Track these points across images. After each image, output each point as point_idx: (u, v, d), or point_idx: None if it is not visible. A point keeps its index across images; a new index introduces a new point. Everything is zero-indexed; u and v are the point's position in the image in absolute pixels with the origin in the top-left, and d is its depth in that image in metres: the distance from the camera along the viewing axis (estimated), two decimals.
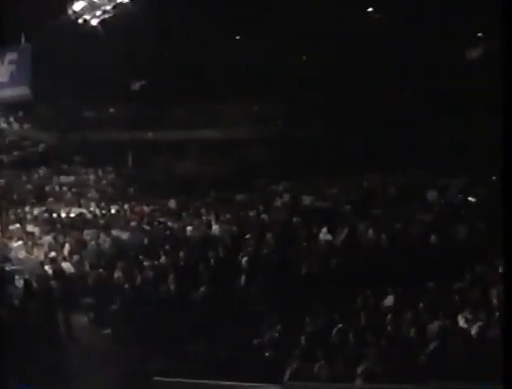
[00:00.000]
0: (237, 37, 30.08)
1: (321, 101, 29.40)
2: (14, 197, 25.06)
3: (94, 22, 24.66)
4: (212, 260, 11.91)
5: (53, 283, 11.67)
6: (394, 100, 24.39)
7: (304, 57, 28.78)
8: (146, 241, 15.05)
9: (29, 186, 26.73)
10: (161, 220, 18.57)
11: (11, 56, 26.21)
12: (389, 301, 9.03)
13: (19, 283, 10.84)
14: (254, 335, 9.03)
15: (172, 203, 22.34)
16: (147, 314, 10.05)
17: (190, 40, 27.00)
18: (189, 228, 16.60)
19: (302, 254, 11.81)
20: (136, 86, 30.87)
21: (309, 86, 27.71)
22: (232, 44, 29.25)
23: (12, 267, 14.26)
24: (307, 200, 20.44)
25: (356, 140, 25.50)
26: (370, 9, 25.31)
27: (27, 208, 22.25)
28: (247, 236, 13.57)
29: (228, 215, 18.13)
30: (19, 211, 21.97)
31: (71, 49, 26.82)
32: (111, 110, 32.09)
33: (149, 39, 26.31)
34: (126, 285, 11.31)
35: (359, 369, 7.00)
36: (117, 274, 11.83)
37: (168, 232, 16.46)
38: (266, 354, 8.57)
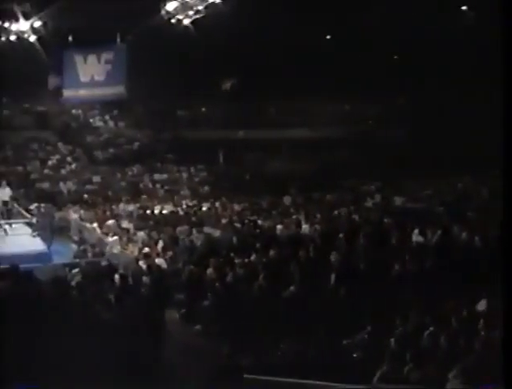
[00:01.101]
0: (328, 37, 30.10)
1: (413, 102, 28.98)
2: (110, 193, 26.16)
3: (186, 22, 25.44)
4: (302, 259, 12.03)
5: (146, 278, 12.18)
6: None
7: (395, 57, 28.45)
8: (236, 238, 15.33)
9: (123, 183, 27.75)
10: (251, 218, 18.90)
11: (107, 55, 27.55)
12: (482, 305, 8.89)
13: (115, 278, 11.32)
14: (344, 335, 9.09)
15: (262, 202, 22.66)
16: (237, 312, 10.29)
17: (282, 39, 27.24)
18: (279, 226, 16.83)
19: (393, 255, 11.78)
20: (227, 85, 31.50)
21: (401, 86, 27.39)
22: (323, 44, 29.33)
23: (107, 262, 15.02)
24: (399, 201, 20.28)
25: (449, 142, 24.97)
26: None
27: (121, 205, 23.15)
28: (338, 235, 13.64)
29: (318, 215, 18.25)
30: (113, 207, 22.97)
31: (164, 49, 27.76)
32: (203, 109, 32.87)
33: (241, 38, 26.73)
34: (217, 282, 11.61)
35: (450, 374, 6.95)
36: (208, 271, 12.16)
37: (258, 230, 16.73)
38: (355, 355, 8.63)
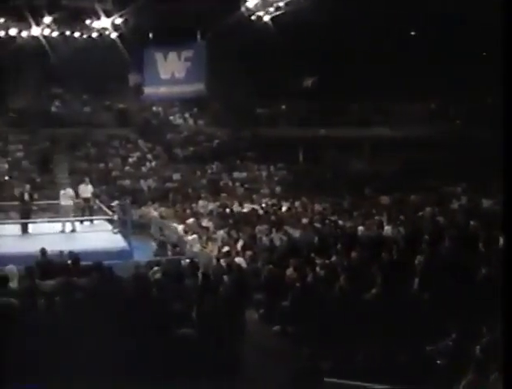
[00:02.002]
0: (412, 33, 29.56)
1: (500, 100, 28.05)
2: (189, 191, 26.71)
3: (267, 18, 25.58)
4: (385, 261, 11.92)
5: (226, 277, 12.35)
6: None
7: (484, 54, 27.65)
8: (317, 239, 15.33)
9: (203, 181, 28.26)
10: (332, 218, 18.85)
11: (187, 53, 28.05)
12: None
13: (196, 276, 11.53)
14: (427, 341, 8.96)
15: (343, 202, 22.54)
16: (317, 313, 10.28)
17: (364, 36, 26.93)
18: (360, 227, 16.71)
19: (480, 259, 11.51)
20: (308, 82, 31.45)
21: (489, 85, 26.57)
22: (408, 42, 28.80)
23: (188, 260, 15.36)
24: (486, 203, 19.73)
25: None
26: None
27: (201, 203, 23.59)
28: (422, 238, 13.43)
29: (401, 216, 18.00)
30: (193, 205, 23.45)
31: (244, 46, 28.03)
32: (283, 107, 32.96)
33: (321, 35, 26.58)
34: (297, 283, 11.63)
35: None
36: (288, 271, 12.21)
37: (339, 231, 16.67)
38: (439, 362, 8.49)
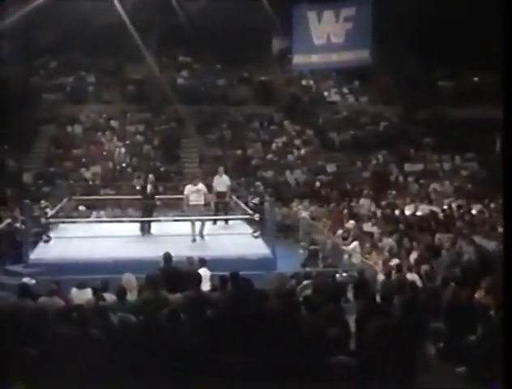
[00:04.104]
0: None
1: None
2: (347, 186, 26.67)
3: None
4: None
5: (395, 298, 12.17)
6: None
7: None
8: None
9: (366, 174, 28.18)
10: None
11: (348, 11, 27.79)
12: None
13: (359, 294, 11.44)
14: None
15: None
16: None
17: None
18: None
19: None
20: None
21: None
22: None
23: (345, 274, 15.31)
24: None
25: None
26: None
27: (362, 201, 23.51)
28: None
29: None
30: (352, 204, 23.38)
31: (418, 4, 27.51)
32: (475, 79, 32.02)
33: None
34: (492, 310, 11.23)
35: None
36: (478, 293, 11.85)
37: None
38: None
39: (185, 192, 18.36)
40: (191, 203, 18.17)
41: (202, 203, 18.42)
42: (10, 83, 28.76)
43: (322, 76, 33.66)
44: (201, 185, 18.46)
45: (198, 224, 18.15)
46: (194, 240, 17.81)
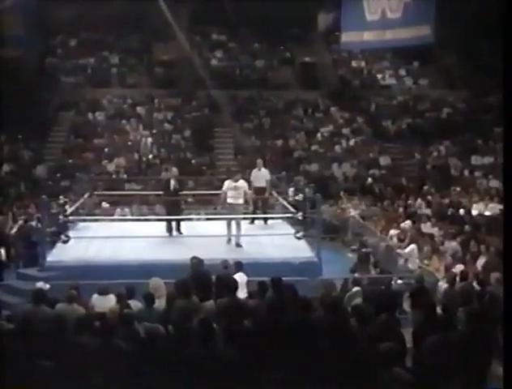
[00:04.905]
0: None
1: None
2: (403, 182, 26.56)
3: None
4: None
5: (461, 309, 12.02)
6: None
7: None
8: None
9: (425, 168, 28.03)
10: None
11: None
12: None
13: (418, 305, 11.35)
14: None
15: None
16: None
17: None
18: None
19: None
20: None
21: None
22: None
23: (400, 281, 15.26)
24: None
25: None
26: None
27: (420, 199, 23.37)
28: None
29: None
30: (409, 202, 23.28)
31: None
32: None
33: None
34: None
35: None
36: None
37: None
38: None
39: (224, 188, 18.08)
40: (228, 200, 17.86)
41: (241, 202, 18.15)
42: (24, 65, 29.05)
43: (375, 56, 33.53)
44: (242, 182, 18.06)
45: (233, 223, 18.05)
46: (230, 240, 17.76)
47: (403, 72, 33.71)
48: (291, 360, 8.32)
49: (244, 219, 18.73)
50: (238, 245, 17.68)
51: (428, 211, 22.39)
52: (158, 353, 8.30)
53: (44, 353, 8.13)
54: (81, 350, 8.21)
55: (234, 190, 17.87)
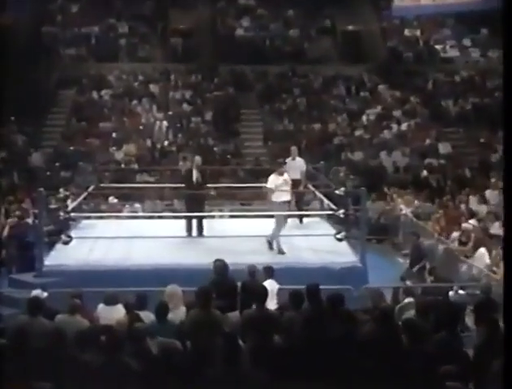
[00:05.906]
0: None
1: None
2: (467, 174, 26.55)
3: None
4: None
5: None
6: None
7: None
8: None
9: (493, 157, 27.97)
10: None
11: None
12: None
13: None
14: None
15: None
16: None
17: None
18: None
19: None
20: None
21: None
22: None
23: (462, 292, 15.21)
24: None
25: None
26: None
27: (488, 193, 23.41)
28: None
29: None
30: (470, 197, 23.26)
31: None
32: None
33: None
34: None
35: None
36: None
37: None
38: None
39: (269, 184, 17.79)
40: (277, 199, 17.58)
41: (289, 198, 17.95)
42: (18, 34, 29.13)
43: (434, 24, 33.40)
44: (286, 176, 17.88)
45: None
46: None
47: (467, 42, 33.52)
48: (329, 383, 8.36)
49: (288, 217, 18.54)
50: (281, 251, 17.34)
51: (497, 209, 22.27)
52: (173, 373, 8.36)
53: (42, 373, 8.21)
54: (84, 369, 8.28)
55: (281, 185, 17.66)
